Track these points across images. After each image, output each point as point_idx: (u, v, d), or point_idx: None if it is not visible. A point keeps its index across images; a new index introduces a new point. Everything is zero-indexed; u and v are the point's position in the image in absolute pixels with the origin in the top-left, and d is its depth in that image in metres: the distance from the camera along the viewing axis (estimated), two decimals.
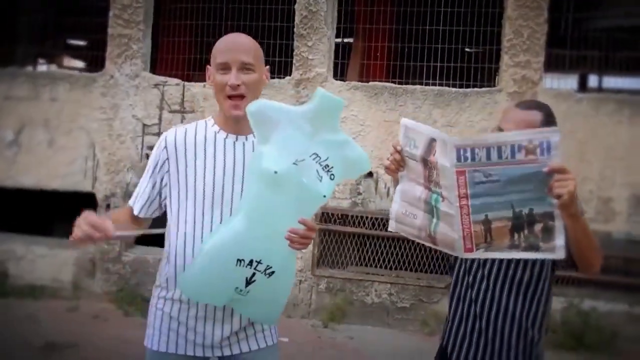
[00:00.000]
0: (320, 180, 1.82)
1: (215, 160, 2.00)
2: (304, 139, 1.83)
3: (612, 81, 10.88)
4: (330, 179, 1.84)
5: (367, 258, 5.98)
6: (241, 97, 1.95)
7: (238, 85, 1.93)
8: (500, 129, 2.16)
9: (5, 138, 6.29)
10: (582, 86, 10.48)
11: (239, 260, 1.85)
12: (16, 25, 7.25)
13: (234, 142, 2.02)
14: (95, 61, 6.99)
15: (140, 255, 6.14)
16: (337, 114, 1.90)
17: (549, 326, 2.28)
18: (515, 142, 1.75)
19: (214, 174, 1.99)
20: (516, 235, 1.82)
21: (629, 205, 5.44)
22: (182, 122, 6.06)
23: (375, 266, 5.97)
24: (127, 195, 6.09)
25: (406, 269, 5.89)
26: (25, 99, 6.30)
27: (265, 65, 2.08)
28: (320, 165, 1.83)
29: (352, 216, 5.89)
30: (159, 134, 6.09)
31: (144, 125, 6.13)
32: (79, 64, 10.66)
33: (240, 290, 1.90)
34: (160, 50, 6.68)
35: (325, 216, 5.90)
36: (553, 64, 6.38)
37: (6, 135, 6.29)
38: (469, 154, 1.80)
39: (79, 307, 5.77)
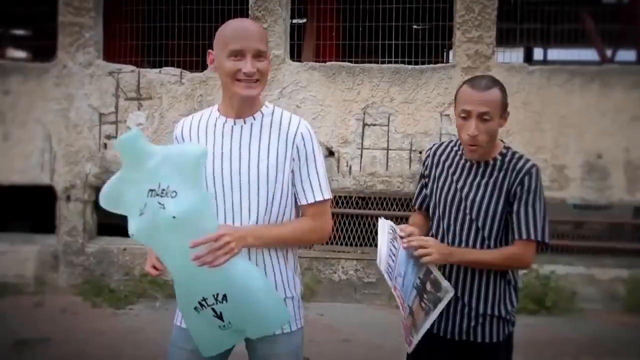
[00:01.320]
0: (164, 207, 1.76)
1: (214, 145, 2.07)
2: (136, 186, 1.84)
3: (555, 53, 11.19)
4: (172, 197, 1.77)
5: (332, 236, 6.07)
6: (256, 81, 2.00)
7: (254, 73, 1.97)
8: (463, 111, 2.24)
9: None
10: (528, 59, 10.74)
11: (195, 309, 1.94)
12: None
13: (232, 126, 2.08)
14: (42, 51, 6.83)
15: (104, 246, 6.09)
16: (138, 142, 1.83)
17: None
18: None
19: (214, 157, 2.05)
20: (423, 303, 2.17)
21: (582, 171, 5.66)
22: (139, 109, 6.00)
23: (341, 244, 6.07)
24: (87, 185, 6.03)
25: (371, 245, 6.01)
26: None
27: None
28: (158, 195, 1.79)
29: None
30: (116, 123, 6.03)
31: (101, 114, 6.03)
32: (22, 54, 10.39)
33: (224, 326, 1.96)
34: (113, 37, 6.56)
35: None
36: (504, 39, 6.53)
37: None
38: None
39: (46, 302, 5.69)
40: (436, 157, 2.47)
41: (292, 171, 2.06)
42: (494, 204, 2.27)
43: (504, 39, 6.91)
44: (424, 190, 2.52)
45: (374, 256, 5.98)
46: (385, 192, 5.86)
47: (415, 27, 6.56)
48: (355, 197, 6.04)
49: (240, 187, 2.03)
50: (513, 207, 2.25)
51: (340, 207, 6.00)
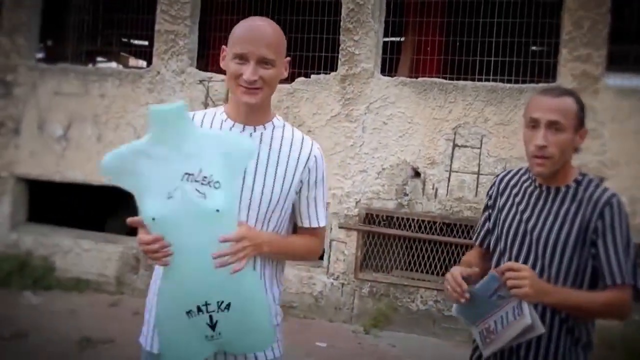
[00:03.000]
0: (205, 197, 1.60)
1: None
2: (166, 167, 1.64)
3: None
4: (216, 187, 1.62)
5: (413, 262, 5.71)
6: (257, 88, 1.83)
7: (255, 81, 1.80)
8: (531, 120, 1.95)
9: (55, 133, 6.37)
10: None
11: (188, 313, 1.72)
12: (66, 23, 7.35)
13: (241, 132, 1.90)
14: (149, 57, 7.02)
15: None
16: (181, 117, 1.67)
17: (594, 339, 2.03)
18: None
19: None
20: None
21: None
22: None
23: (422, 271, 5.68)
24: None
25: None
26: (74, 94, 6.36)
27: (286, 57, 1.93)
28: (197, 181, 1.63)
29: (397, 218, 5.63)
30: None
31: None
32: (139, 61, 10.83)
33: (212, 337, 1.76)
34: (210, 46, 6.63)
35: (370, 217, 5.67)
36: (616, 60, 5.92)
37: (55, 130, 6.37)
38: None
39: (121, 302, 5.78)
40: (503, 185, 2.17)
41: (298, 192, 1.93)
42: (564, 238, 1.94)
43: (619, 61, 6.29)
44: (487, 223, 2.21)
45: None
46: (473, 220, 5.42)
47: (533, 48, 6.11)
48: (439, 223, 5.64)
49: (241, 197, 1.85)
50: (599, 247, 1.90)
51: (423, 232, 5.62)
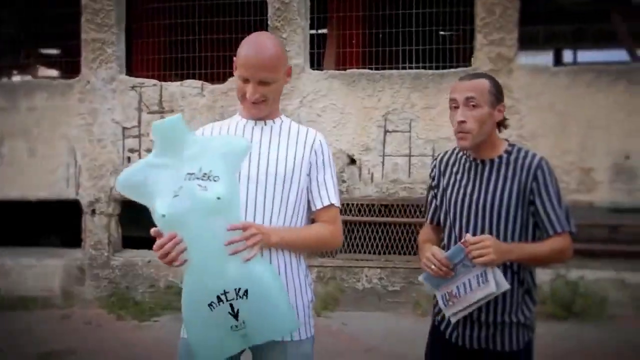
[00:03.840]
0: (206, 189, 1.80)
1: None
2: (169, 171, 1.85)
3: (585, 55, 10.97)
4: (215, 180, 1.81)
5: (355, 245, 6.01)
6: (261, 102, 2.06)
7: (257, 98, 2.03)
8: (452, 101, 2.22)
9: None
10: (558, 61, 10.57)
11: (210, 305, 1.85)
12: None
13: (253, 127, 2.12)
14: (70, 68, 6.95)
15: (129, 259, 6.13)
16: (180, 129, 1.88)
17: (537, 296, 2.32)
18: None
19: None
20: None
21: (611, 173, 5.50)
22: None
23: (364, 252, 5.99)
24: (112, 199, 6.09)
25: (395, 253, 5.93)
26: (2, 110, 6.25)
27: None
28: (198, 178, 1.82)
29: None
30: (139, 136, 6.08)
31: (124, 128, 6.10)
32: (54, 72, 10.60)
33: (237, 326, 1.88)
34: (135, 52, 6.65)
35: None
36: (527, 41, 6.43)
37: None
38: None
39: (72, 315, 5.75)
40: (443, 165, 2.39)
41: (309, 175, 2.11)
42: (506, 201, 2.19)
43: (530, 42, 6.80)
44: (434, 201, 2.42)
45: (397, 264, 5.97)
46: (408, 199, 5.79)
47: (442, 33, 6.51)
48: (377, 205, 5.97)
49: (257, 183, 2.04)
50: (537, 205, 2.18)
51: (363, 215, 5.93)
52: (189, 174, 1.83)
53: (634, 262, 5.70)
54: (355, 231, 5.97)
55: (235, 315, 1.85)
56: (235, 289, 1.83)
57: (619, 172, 5.49)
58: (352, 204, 5.89)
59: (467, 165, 2.30)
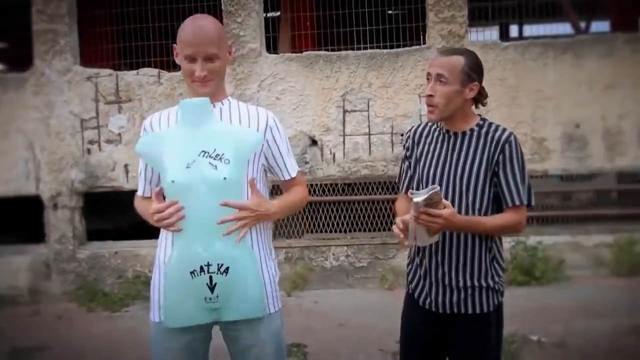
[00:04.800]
0: (216, 168, 1.99)
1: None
2: (188, 145, 2.03)
3: (531, 29, 11.30)
4: (225, 163, 2.00)
5: (321, 224, 6.13)
6: (208, 80, 2.13)
7: (205, 75, 2.10)
8: (427, 74, 2.34)
9: None
10: (505, 37, 10.83)
11: (192, 273, 2.00)
12: None
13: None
14: (20, 61, 6.81)
15: (94, 251, 6.10)
16: (205, 111, 2.07)
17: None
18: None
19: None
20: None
21: (562, 142, 5.75)
22: (119, 112, 6.02)
23: (330, 231, 6.13)
24: (74, 192, 6.04)
25: (360, 230, 6.07)
26: None
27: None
28: (211, 157, 2.01)
29: None
30: (97, 127, 6.03)
31: (82, 120, 6.04)
32: (0, 66, 10.34)
33: (210, 299, 2.02)
34: (89, 42, 6.56)
35: (275, 189, 5.98)
36: (475, 17, 6.60)
37: None
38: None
39: (41, 311, 5.71)
40: (417, 136, 2.49)
41: (265, 152, 2.21)
42: (475, 172, 2.31)
43: (479, 18, 6.97)
44: (409, 171, 2.51)
45: (363, 241, 6.10)
46: (370, 177, 5.92)
47: (389, 12, 6.62)
48: (340, 184, 6.10)
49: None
50: (500, 177, 2.30)
51: (326, 195, 6.05)
52: (203, 151, 2.01)
53: (587, 226, 5.98)
54: (320, 211, 6.09)
55: (212, 288, 2.01)
56: (218, 264, 2.00)
57: (569, 141, 5.75)
58: (316, 185, 6.00)
59: (439, 137, 2.42)
